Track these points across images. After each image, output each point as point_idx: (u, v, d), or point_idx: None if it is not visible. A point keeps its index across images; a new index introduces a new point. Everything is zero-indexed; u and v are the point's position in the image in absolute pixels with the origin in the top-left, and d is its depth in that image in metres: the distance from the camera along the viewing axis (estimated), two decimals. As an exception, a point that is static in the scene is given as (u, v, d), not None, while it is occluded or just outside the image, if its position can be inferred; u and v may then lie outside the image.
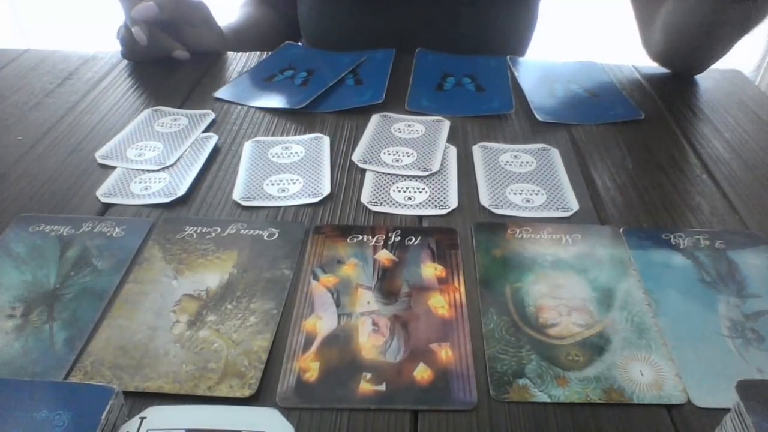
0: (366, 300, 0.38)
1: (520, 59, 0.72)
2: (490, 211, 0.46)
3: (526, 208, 0.47)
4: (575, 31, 1.80)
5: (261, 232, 0.44)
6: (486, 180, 0.50)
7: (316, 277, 0.40)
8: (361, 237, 0.43)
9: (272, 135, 0.56)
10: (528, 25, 0.83)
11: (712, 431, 0.30)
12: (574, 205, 0.47)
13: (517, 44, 0.83)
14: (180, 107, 0.61)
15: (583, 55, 0.73)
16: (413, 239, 0.43)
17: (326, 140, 0.55)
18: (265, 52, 0.73)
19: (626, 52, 0.82)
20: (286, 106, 0.60)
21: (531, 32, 0.84)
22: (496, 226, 0.45)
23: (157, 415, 0.31)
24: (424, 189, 0.49)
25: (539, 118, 0.59)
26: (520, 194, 0.48)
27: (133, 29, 0.63)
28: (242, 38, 0.80)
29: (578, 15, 1.93)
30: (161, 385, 0.33)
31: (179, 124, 0.57)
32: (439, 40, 0.74)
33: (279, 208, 0.47)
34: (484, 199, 0.48)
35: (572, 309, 0.38)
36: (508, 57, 0.72)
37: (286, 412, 0.32)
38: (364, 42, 0.75)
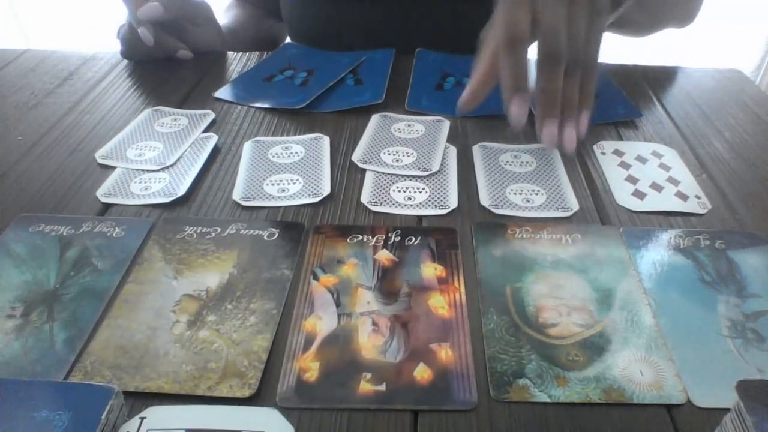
0: (366, 300, 0.38)
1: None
2: (490, 211, 0.46)
3: (526, 208, 0.47)
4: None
5: (261, 232, 0.44)
6: (486, 180, 0.50)
7: (316, 277, 0.40)
8: (361, 237, 0.43)
9: (272, 135, 0.56)
10: None
11: (712, 431, 0.30)
12: (574, 205, 0.47)
13: None
14: (180, 107, 0.61)
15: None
16: (413, 239, 0.43)
17: (326, 140, 0.55)
18: (265, 52, 0.73)
19: (626, 52, 0.82)
20: (286, 106, 0.60)
21: None
22: (496, 226, 0.45)
23: (157, 415, 0.31)
24: (424, 189, 0.49)
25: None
26: (520, 194, 0.48)
27: (139, 30, 0.63)
28: (237, 38, 0.80)
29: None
30: (161, 385, 0.33)
31: (179, 124, 0.57)
32: (421, 34, 0.74)
33: (279, 208, 0.47)
34: (484, 199, 0.48)
35: (572, 309, 0.38)
36: None
37: (286, 412, 0.32)
38: (347, 36, 0.75)
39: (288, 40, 0.91)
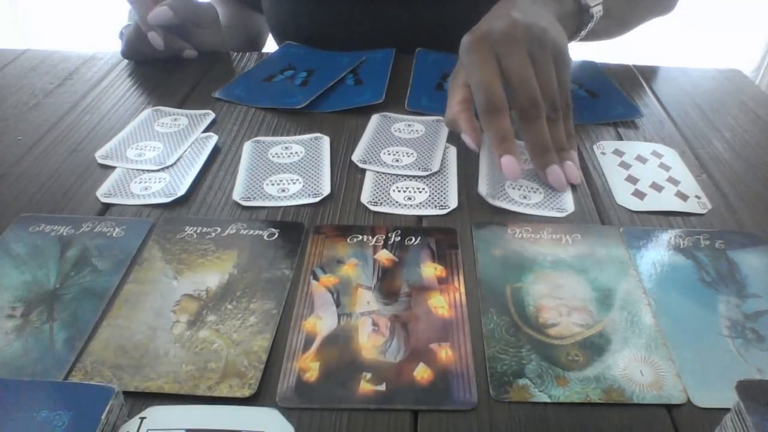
0: (366, 300, 0.38)
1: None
2: (485, 201, 0.47)
3: (522, 204, 0.47)
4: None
5: (261, 232, 0.44)
6: (488, 170, 0.50)
7: (316, 277, 0.40)
8: (361, 237, 0.43)
9: (272, 135, 0.56)
10: None
11: (712, 431, 0.30)
12: (570, 207, 0.47)
13: None
14: (180, 107, 0.61)
15: (582, 54, 0.73)
16: (413, 239, 0.43)
17: (326, 140, 0.55)
18: (266, 53, 0.73)
19: (626, 52, 0.82)
20: (286, 106, 0.60)
21: None
22: (496, 226, 0.45)
23: (157, 415, 0.31)
24: (424, 189, 0.49)
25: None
26: (519, 189, 0.48)
27: (149, 35, 0.64)
28: (228, 37, 0.80)
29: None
30: (161, 385, 0.33)
31: (179, 124, 0.57)
32: (390, 32, 0.75)
33: (279, 208, 0.47)
34: (482, 188, 0.48)
35: (572, 309, 0.38)
36: None
37: (286, 412, 0.32)
38: (325, 32, 0.75)
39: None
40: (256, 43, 0.93)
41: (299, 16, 0.78)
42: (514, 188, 0.48)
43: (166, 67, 0.68)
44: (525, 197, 0.48)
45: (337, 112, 0.60)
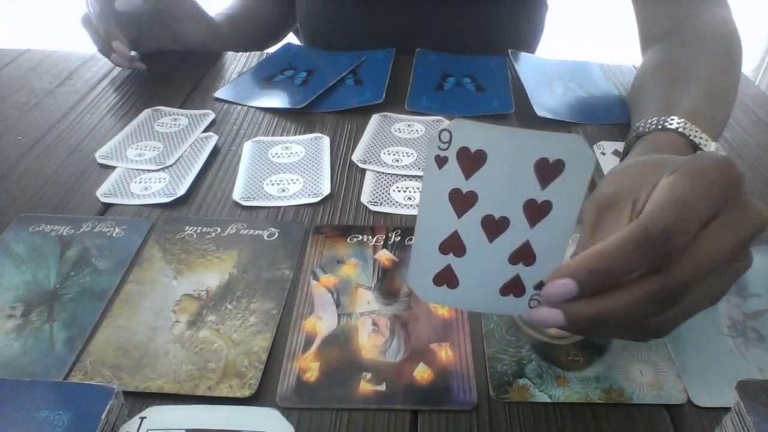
0: (366, 300, 0.38)
1: (521, 55, 0.72)
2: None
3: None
4: (575, 31, 1.80)
5: (261, 232, 0.44)
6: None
7: (316, 277, 0.40)
8: (361, 237, 0.43)
9: (272, 135, 0.56)
10: (531, 30, 0.83)
11: (712, 431, 0.30)
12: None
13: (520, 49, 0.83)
14: (180, 107, 0.61)
15: (583, 55, 0.73)
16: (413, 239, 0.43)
17: (326, 140, 0.55)
18: (265, 53, 0.73)
19: (626, 52, 0.82)
20: (286, 106, 0.60)
21: (536, 39, 0.84)
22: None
23: (157, 415, 0.31)
24: (424, 189, 0.49)
25: (539, 113, 0.58)
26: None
27: (113, 45, 0.61)
28: (237, 27, 0.78)
29: (579, 14, 1.93)
30: (161, 385, 0.33)
31: (179, 124, 0.57)
32: (428, 35, 0.74)
33: (279, 208, 0.47)
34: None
35: (572, 309, 0.38)
36: (509, 52, 0.71)
37: (286, 412, 0.32)
38: (355, 36, 0.75)
39: (292, 29, 0.92)
40: (278, 34, 0.91)
41: (329, 21, 0.78)
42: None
43: (166, 67, 0.68)
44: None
45: (337, 112, 0.60)
